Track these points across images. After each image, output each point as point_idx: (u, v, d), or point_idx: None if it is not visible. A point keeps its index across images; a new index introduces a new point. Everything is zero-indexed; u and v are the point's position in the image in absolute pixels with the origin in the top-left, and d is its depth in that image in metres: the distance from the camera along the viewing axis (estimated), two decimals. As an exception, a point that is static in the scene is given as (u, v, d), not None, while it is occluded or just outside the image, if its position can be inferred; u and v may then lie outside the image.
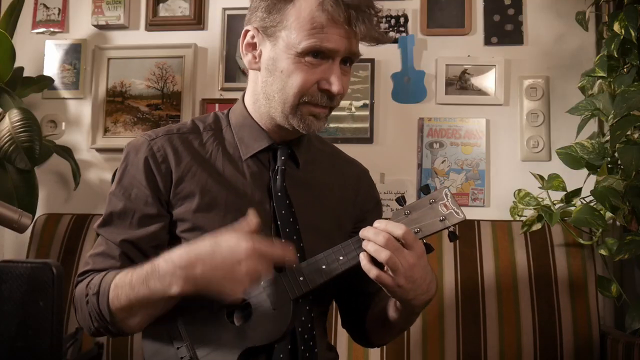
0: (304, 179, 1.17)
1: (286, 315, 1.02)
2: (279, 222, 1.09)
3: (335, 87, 1.05)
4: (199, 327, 1.03)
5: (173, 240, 1.10)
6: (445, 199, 1.03)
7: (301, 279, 1.03)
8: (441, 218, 1.02)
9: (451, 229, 1.03)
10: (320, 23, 1.01)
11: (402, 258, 0.96)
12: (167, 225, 1.10)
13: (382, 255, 0.96)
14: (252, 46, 1.10)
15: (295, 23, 1.02)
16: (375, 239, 0.98)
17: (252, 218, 0.97)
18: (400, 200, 1.05)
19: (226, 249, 0.93)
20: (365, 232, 1.00)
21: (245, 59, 1.11)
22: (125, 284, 0.99)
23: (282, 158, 1.13)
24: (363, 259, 0.99)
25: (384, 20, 2.21)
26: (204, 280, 0.94)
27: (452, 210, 1.03)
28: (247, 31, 1.10)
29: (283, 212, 1.10)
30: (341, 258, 1.03)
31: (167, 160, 1.10)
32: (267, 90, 1.09)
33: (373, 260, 0.99)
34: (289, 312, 1.02)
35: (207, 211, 1.08)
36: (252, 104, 1.15)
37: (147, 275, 0.97)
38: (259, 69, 1.10)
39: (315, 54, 1.03)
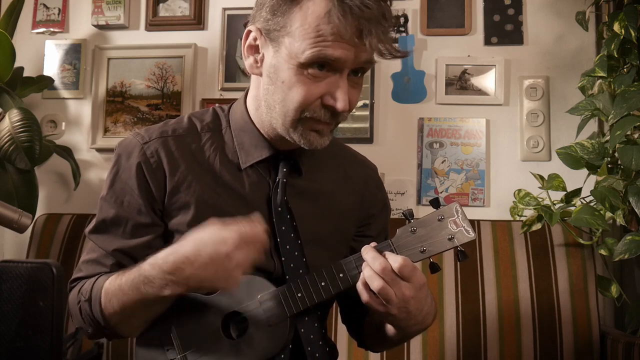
0: (307, 188, 1.11)
1: (283, 332, 0.99)
2: (278, 239, 1.04)
3: (340, 104, 0.95)
4: (194, 339, 1.01)
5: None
6: (456, 216, 0.97)
7: (299, 295, 0.99)
8: (450, 237, 0.97)
9: (460, 248, 0.98)
10: (326, 33, 0.91)
11: (397, 289, 0.91)
12: (161, 234, 1.06)
13: (375, 284, 0.91)
14: (255, 49, 1.01)
15: (300, 30, 0.92)
16: (372, 264, 0.92)
17: (256, 224, 0.92)
18: (407, 216, 0.98)
19: (211, 245, 0.90)
20: (364, 253, 0.95)
21: (247, 62, 1.03)
22: (116, 289, 0.97)
23: (284, 170, 1.07)
24: (360, 278, 0.94)
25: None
26: (195, 280, 0.91)
27: (462, 228, 0.97)
28: (250, 32, 1.00)
29: (283, 228, 1.05)
30: (341, 275, 0.99)
31: (162, 167, 1.04)
32: (268, 99, 1.00)
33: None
34: (286, 328, 0.99)
35: (202, 224, 1.02)
36: (254, 109, 1.07)
37: (137, 280, 0.95)
38: (260, 75, 1.02)
39: (321, 65, 0.94)
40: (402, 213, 0.99)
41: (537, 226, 1.81)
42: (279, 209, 1.05)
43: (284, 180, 1.06)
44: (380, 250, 0.95)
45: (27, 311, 0.69)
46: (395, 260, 0.91)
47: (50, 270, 0.70)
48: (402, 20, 2.21)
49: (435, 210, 0.98)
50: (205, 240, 0.91)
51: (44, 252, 1.98)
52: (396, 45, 0.95)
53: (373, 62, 0.98)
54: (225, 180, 1.06)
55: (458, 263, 1.82)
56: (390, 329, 1.04)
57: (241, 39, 1.05)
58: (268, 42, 0.98)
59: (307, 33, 0.92)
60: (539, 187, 1.86)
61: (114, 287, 0.98)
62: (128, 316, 0.99)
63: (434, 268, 0.98)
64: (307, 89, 0.95)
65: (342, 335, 1.77)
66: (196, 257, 0.90)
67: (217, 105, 1.16)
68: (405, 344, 1.76)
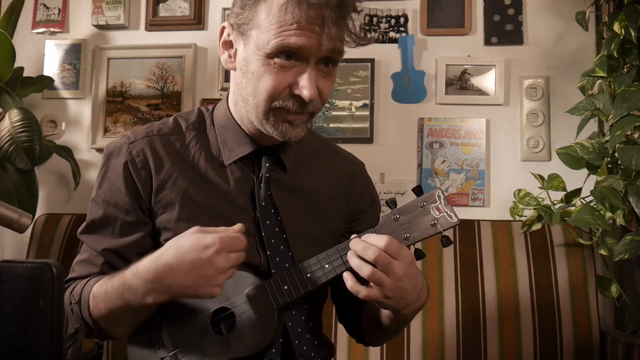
0: (292, 183, 1.12)
1: (270, 325, 0.99)
2: (263, 233, 1.05)
3: (306, 92, 0.96)
4: (184, 337, 1.01)
5: (158, 247, 1.06)
6: (438, 202, 0.97)
7: (285, 287, 1.00)
8: (433, 222, 0.97)
9: (444, 233, 0.98)
10: (288, 22, 0.93)
11: (390, 272, 0.91)
12: (149, 233, 1.07)
13: (364, 271, 0.92)
14: (229, 44, 1.04)
15: (265, 22, 0.95)
16: (364, 253, 0.92)
17: (238, 227, 0.94)
18: (390, 204, 0.98)
19: (193, 252, 0.90)
20: (354, 245, 0.95)
21: (222, 57, 1.06)
22: (103, 294, 0.98)
23: (267, 165, 1.08)
24: (348, 279, 0.95)
25: (383, 20, 2.21)
26: (177, 287, 0.92)
27: (445, 214, 0.97)
28: (224, 28, 1.04)
29: (268, 222, 1.06)
30: (326, 266, 0.99)
31: (147, 165, 1.06)
32: (242, 92, 1.03)
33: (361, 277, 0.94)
34: (274, 321, 1.00)
35: (188, 221, 1.04)
36: (233, 105, 1.10)
37: (120, 288, 0.96)
38: (234, 69, 1.05)
39: (288, 55, 0.95)
40: (385, 201, 0.99)
41: (537, 226, 1.81)
42: (263, 203, 1.06)
43: (267, 175, 1.08)
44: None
45: (27, 311, 0.69)
46: (380, 240, 0.92)
47: (50, 270, 0.69)
48: (402, 20, 2.21)
49: (417, 197, 0.99)
50: (187, 248, 0.91)
51: (44, 252, 1.98)
52: (357, 33, 0.97)
53: (341, 52, 0.99)
54: (209, 178, 1.07)
55: (458, 263, 1.82)
56: (386, 317, 1.05)
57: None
58: (239, 36, 1.01)
59: (272, 24, 0.94)
60: (539, 187, 1.86)
61: (101, 292, 0.99)
62: (115, 321, 1.01)
63: (419, 255, 0.98)
64: (275, 78, 0.96)
65: (342, 335, 1.77)
66: (178, 265, 0.91)
67: (202, 107, 1.18)
68: (406, 343, 1.77)
